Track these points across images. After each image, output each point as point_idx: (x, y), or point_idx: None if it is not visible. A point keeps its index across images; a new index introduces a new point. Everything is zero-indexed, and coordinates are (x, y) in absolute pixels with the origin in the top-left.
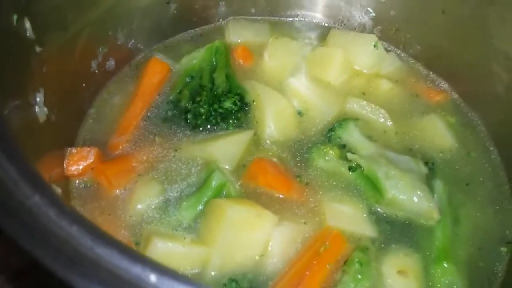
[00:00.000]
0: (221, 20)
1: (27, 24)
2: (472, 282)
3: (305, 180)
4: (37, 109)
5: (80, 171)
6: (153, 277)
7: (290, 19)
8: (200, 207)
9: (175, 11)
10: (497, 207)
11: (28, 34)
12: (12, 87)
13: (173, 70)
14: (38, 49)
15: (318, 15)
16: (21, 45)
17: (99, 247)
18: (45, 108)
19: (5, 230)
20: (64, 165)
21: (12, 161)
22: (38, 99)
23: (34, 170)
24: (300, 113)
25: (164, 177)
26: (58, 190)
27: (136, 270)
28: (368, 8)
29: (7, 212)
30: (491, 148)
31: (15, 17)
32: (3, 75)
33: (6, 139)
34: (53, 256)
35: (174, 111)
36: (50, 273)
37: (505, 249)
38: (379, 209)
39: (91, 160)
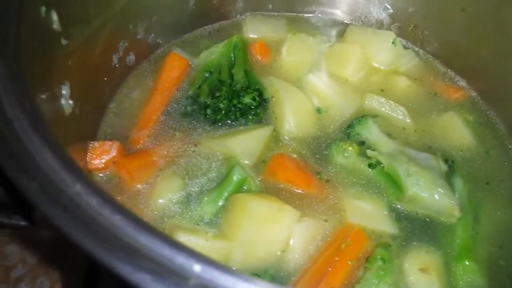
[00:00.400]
0: (238, 15)
1: (54, 16)
2: (493, 280)
3: (325, 177)
4: (63, 101)
5: (103, 165)
6: (197, 267)
7: (308, 15)
8: (221, 202)
9: (193, 6)
10: None
11: (55, 26)
12: (41, 78)
13: (192, 65)
14: (64, 41)
15: (336, 12)
16: (48, 37)
17: (142, 236)
18: (71, 101)
19: (50, 218)
20: (87, 159)
21: (51, 149)
22: (64, 92)
23: (73, 159)
24: (319, 110)
25: (185, 172)
26: None
27: (179, 259)
28: (386, 5)
29: (50, 200)
30: (510, 146)
31: (43, 8)
32: (33, 65)
33: (44, 128)
34: (97, 244)
35: (194, 106)
36: (95, 260)
37: None
38: (399, 206)
39: (114, 154)
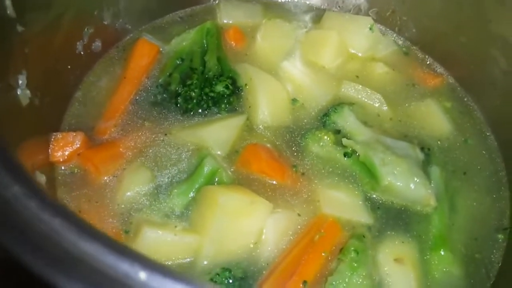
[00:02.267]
0: (211, 0)
1: (7, 1)
2: (468, 271)
3: (301, 170)
4: (19, 92)
5: (65, 157)
6: (142, 274)
7: (283, 0)
8: (191, 194)
9: None
10: (494, 196)
11: (8, 12)
12: None
13: (163, 52)
14: (20, 28)
15: None
16: (1, 24)
17: (84, 242)
18: (28, 91)
19: None
20: (49, 151)
21: None
22: (20, 82)
23: (14, 158)
24: (294, 99)
25: (153, 163)
26: (43, 178)
27: (123, 266)
28: None
29: None
30: (488, 134)
31: None
32: None
33: None
34: (32, 253)
35: (164, 95)
36: (29, 271)
37: (502, 236)
38: (374, 196)
39: (77, 145)
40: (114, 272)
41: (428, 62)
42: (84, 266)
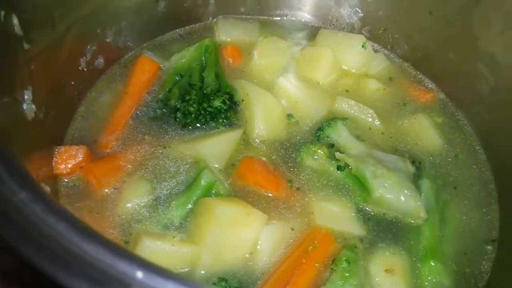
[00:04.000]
0: (210, 18)
1: (15, 20)
2: (458, 282)
3: (296, 185)
4: (25, 106)
5: (68, 169)
6: (139, 273)
7: (280, 18)
8: (189, 206)
9: (164, 9)
10: (484, 210)
11: (16, 30)
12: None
13: (163, 69)
14: (26, 46)
15: (307, 15)
16: (9, 42)
17: (86, 244)
18: (33, 106)
19: None
20: (53, 163)
21: None
22: (26, 97)
23: (21, 166)
24: (289, 115)
25: (152, 176)
26: (47, 189)
27: (122, 266)
28: (357, 9)
29: None
30: (477, 148)
31: (2, 13)
32: None
33: None
34: (39, 253)
35: (163, 110)
36: (37, 270)
37: (491, 248)
38: (367, 208)
39: (80, 158)
40: (114, 270)
41: (419, 78)
42: (86, 265)
